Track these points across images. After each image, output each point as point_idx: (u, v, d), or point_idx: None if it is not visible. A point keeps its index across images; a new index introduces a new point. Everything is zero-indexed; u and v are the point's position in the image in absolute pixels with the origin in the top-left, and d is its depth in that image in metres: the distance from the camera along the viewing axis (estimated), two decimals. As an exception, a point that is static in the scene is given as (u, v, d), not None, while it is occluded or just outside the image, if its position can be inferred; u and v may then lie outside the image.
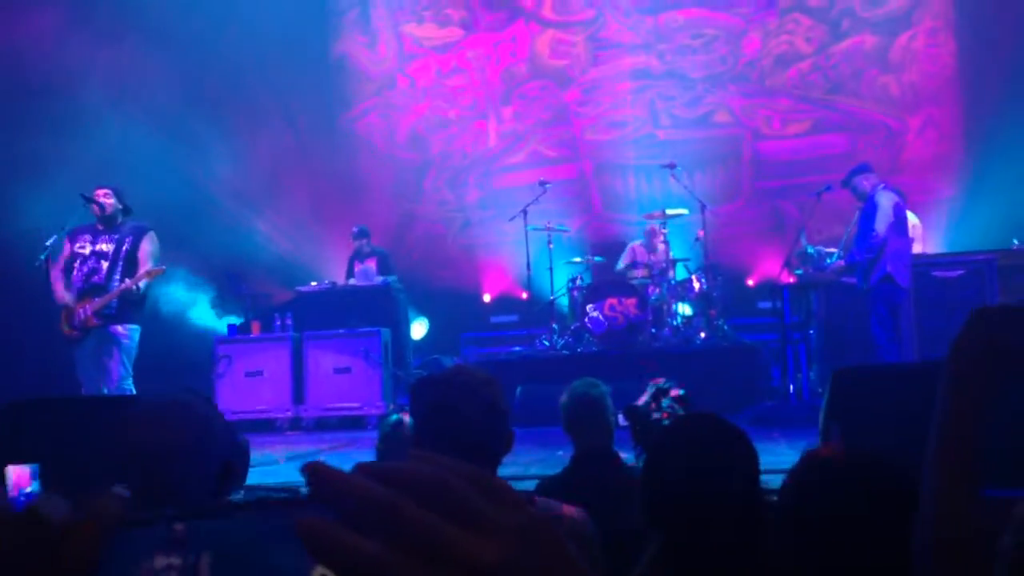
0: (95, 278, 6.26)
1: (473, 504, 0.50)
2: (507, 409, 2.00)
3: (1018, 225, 8.83)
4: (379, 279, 9.28)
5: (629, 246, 9.91)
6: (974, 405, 1.16)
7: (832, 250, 7.57)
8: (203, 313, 10.40)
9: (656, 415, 2.90)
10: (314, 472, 0.48)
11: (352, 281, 9.41)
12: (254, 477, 4.80)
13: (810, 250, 7.66)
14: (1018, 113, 9.68)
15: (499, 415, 1.97)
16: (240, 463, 2.01)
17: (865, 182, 6.96)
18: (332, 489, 0.47)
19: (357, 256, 9.69)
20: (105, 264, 6.28)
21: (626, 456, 3.18)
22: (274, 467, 5.80)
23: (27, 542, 1.08)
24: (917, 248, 7.48)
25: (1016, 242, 8.41)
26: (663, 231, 9.30)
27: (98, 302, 6.20)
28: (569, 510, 1.95)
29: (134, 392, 6.26)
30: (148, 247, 6.35)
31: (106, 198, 6.36)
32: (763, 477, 1.86)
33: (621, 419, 3.06)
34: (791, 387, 7.54)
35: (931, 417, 1.18)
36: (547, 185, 9.76)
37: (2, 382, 6.86)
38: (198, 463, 1.75)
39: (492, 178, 12.17)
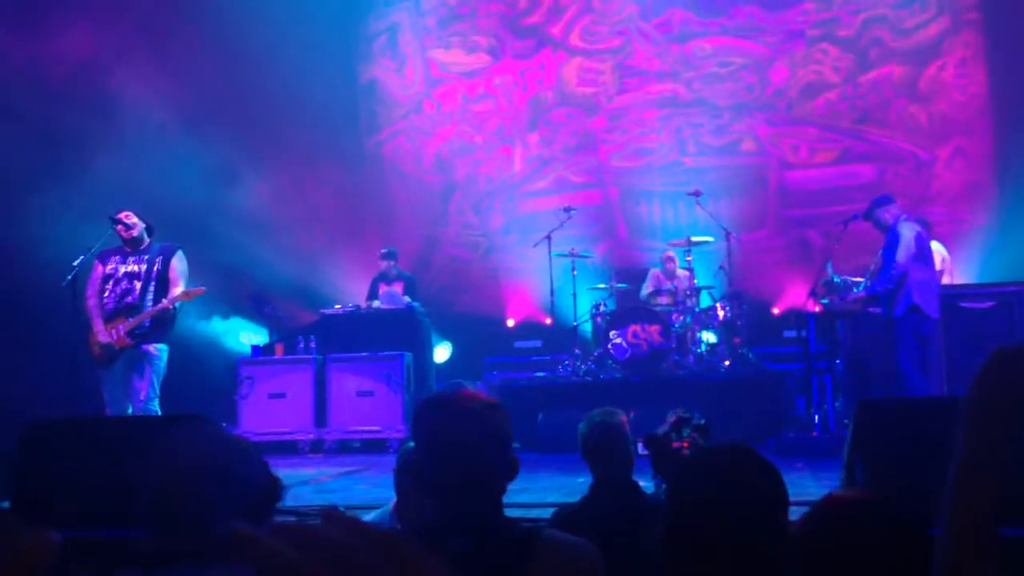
0: (128, 299, 6.33)
1: (376, 570, 0.54)
2: (511, 435, 1.95)
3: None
4: (404, 301, 9.28)
5: (650, 272, 9.89)
6: (993, 447, 1.14)
7: (859, 279, 7.50)
8: (227, 334, 10.47)
9: (676, 444, 2.87)
10: (237, 538, 0.53)
11: (376, 303, 9.39)
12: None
13: (836, 279, 7.60)
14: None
15: (503, 441, 1.91)
16: (275, 489, 2.00)
17: (887, 214, 6.90)
18: (251, 552, 0.53)
19: (383, 278, 9.67)
20: (138, 284, 6.35)
21: (645, 485, 3.16)
22: (297, 489, 5.80)
23: None
24: (946, 280, 7.40)
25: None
26: (677, 259, 9.30)
27: (132, 322, 6.25)
28: (576, 542, 1.91)
29: (159, 413, 6.29)
30: (179, 266, 6.42)
31: (129, 220, 6.44)
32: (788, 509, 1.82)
33: (640, 447, 3.04)
34: (816, 417, 7.46)
35: (951, 456, 1.17)
36: (572, 211, 9.77)
37: (26, 403, 6.91)
38: (229, 490, 1.75)
39: (517, 203, 12.20)
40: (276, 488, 1.92)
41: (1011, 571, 1.18)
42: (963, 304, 7.37)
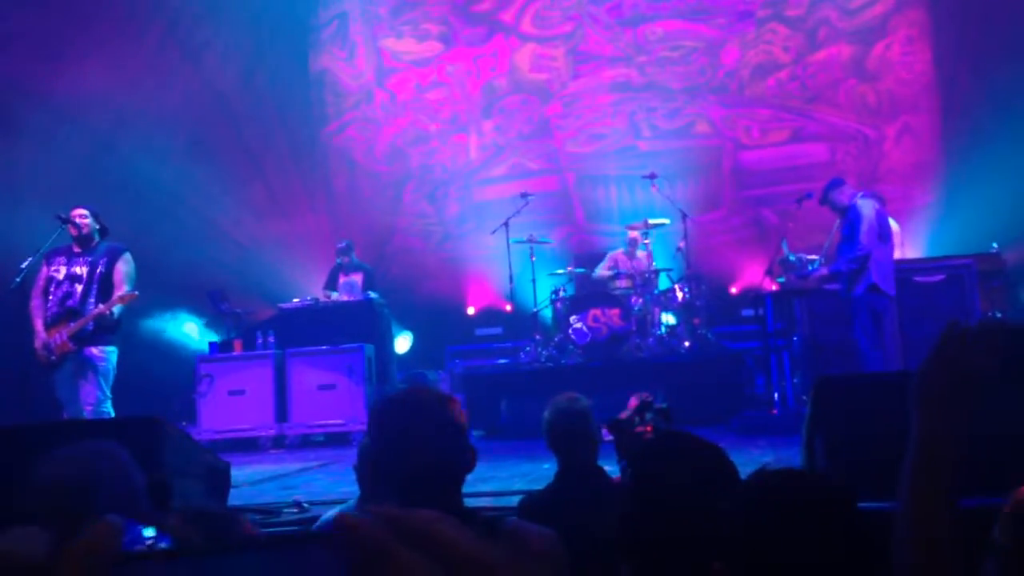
0: (69, 302, 6.19)
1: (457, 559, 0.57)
2: (466, 426, 1.99)
3: (996, 229, 8.89)
4: (363, 294, 9.28)
5: (610, 254, 9.91)
6: (947, 422, 1.16)
7: (813, 257, 7.59)
8: (184, 332, 10.33)
9: (640, 428, 2.88)
10: (341, 524, 0.54)
11: (335, 295, 9.38)
12: (240, 497, 4.76)
13: (792, 258, 7.68)
14: (994, 118, 9.77)
15: (458, 433, 1.94)
16: (219, 484, 2.04)
17: (842, 195, 6.96)
18: (353, 537, 0.54)
19: (341, 269, 9.67)
20: (79, 287, 6.20)
21: (611, 470, 3.16)
22: (259, 486, 5.75)
23: None
24: (897, 253, 7.51)
25: (995, 245, 8.47)
26: (645, 240, 9.33)
27: (72, 326, 6.13)
28: (538, 531, 1.92)
29: (112, 415, 6.19)
30: (123, 268, 6.27)
31: (82, 219, 6.29)
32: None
33: (605, 433, 3.04)
34: (776, 395, 7.55)
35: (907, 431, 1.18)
36: (529, 197, 9.77)
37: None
38: (116, 494, 1.80)
39: (473, 191, 12.17)
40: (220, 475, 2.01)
41: (969, 542, 1.20)
42: (916, 278, 7.50)
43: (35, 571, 0.97)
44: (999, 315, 7.83)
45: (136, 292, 6.27)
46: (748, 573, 1.30)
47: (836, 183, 7.16)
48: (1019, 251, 8.94)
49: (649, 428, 2.86)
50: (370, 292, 9.36)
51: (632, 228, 9.53)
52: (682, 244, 9.38)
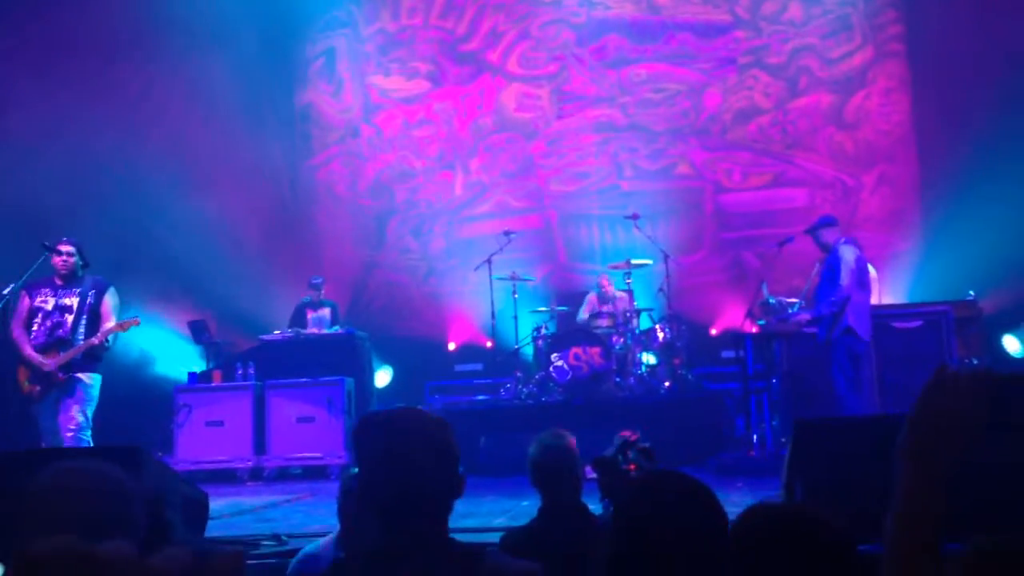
0: (59, 332, 6.21)
1: None
2: (458, 453, 1.90)
3: (973, 277, 9.03)
4: (334, 328, 9.38)
5: (587, 296, 9.99)
6: (932, 479, 1.17)
7: (793, 300, 7.68)
8: (163, 362, 10.26)
9: (624, 467, 2.91)
10: None
11: (305, 330, 9.47)
12: (215, 529, 4.72)
13: (771, 300, 7.77)
14: (970, 168, 9.95)
15: (451, 460, 1.87)
16: (197, 516, 2.01)
17: (829, 235, 7.07)
18: None
19: (309, 305, 9.79)
20: (70, 318, 6.24)
21: (593, 508, 3.18)
22: (236, 518, 5.70)
23: None
24: (874, 299, 7.61)
25: (972, 293, 8.60)
26: (613, 283, 9.44)
27: (63, 356, 6.14)
28: (522, 566, 1.87)
29: (91, 444, 6.15)
30: (111, 301, 6.37)
31: (69, 256, 6.33)
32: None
33: (588, 471, 3.06)
34: (755, 436, 7.59)
35: (890, 474, 1.20)
36: (512, 235, 9.84)
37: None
38: (108, 529, 1.74)
39: (457, 227, 12.22)
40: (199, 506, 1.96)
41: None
42: (894, 324, 7.60)
43: None
44: (975, 361, 7.93)
45: (138, 319, 6.34)
46: None
47: (829, 221, 7.26)
48: (995, 298, 9.08)
49: (632, 467, 2.88)
50: (336, 326, 9.49)
51: (611, 268, 9.61)
52: (663, 286, 9.46)
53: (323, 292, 9.96)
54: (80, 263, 6.41)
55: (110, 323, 6.24)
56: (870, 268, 7.58)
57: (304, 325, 9.61)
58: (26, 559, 1.16)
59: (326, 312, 9.70)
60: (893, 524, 1.18)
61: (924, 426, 1.19)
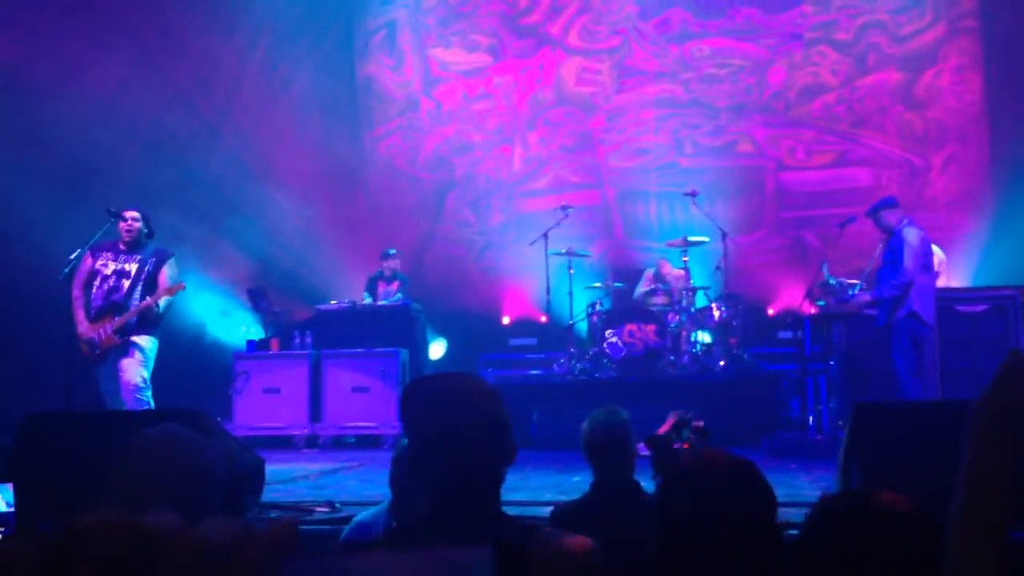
0: (116, 296, 6.37)
1: None
2: (509, 422, 1.86)
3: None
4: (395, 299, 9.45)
5: (645, 273, 9.92)
6: (1005, 453, 1.15)
7: (854, 282, 7.53)
8: (223, 328, 10.47)
9: (677, 445, 2.89)
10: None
11: (375, 300, 9.57)
12: (271, 494, 4.82)
13: (832, 281, 7.62)
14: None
15: (504, 430, 1.84)
16: (254, 481, 2.03)
17: (891, 216, 6.92)
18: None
19: (382, 277, 9.85)
20: (126, 283, 6.40)
21: (646, 485, 3.17)
22: (291, 484, 5.81)
23: (190, 567, 1.10)
24: (941, 281, 7.42)
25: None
26: (670, 264, 9.36)
27: (118, 321, 6.31)
28: (575, 541, 1.81)
29: (152, 404, 6.32)
30: (169, 272, 6.53)
31: (135, 221, 6.49)
32: (780, 510, 1.84)
33: (641, 448, 3.05)
34: (810, 418, 7.48)
35: (955, 462, 1.17)
36: (569, 209, 9.79)
37: (24, 397, 6.92)
38: (193, 493, 1.76)
39: (515, 202, 12.21)
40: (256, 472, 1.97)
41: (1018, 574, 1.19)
42: (958, 307, 7.41)
43: (221, 555, 1.04)
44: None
45: (183, 284, 6.47)
46: None
47: (889, 202, 7.11)
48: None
49: (686, 445, 2.86)
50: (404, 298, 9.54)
51: (669, 245, 9.52)
52: (720, 265, 9.35)
53: (396, 265, 9.99)
54: (145, 231, 6.57)
55: (164, 287, 6.41)
56: (937, 250, 7.41)
57: (376, 297, 9.71)
58: (71, 531, 1.19)
59: (394, 287, 9.77)
60: (959, 509, 1.15)
61: (994, 410, 1.17)
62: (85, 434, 4.13)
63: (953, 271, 9.08)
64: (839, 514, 1.36)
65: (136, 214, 6.53)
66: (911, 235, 6.72)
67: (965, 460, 1.17)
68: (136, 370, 6.33)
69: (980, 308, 7.43)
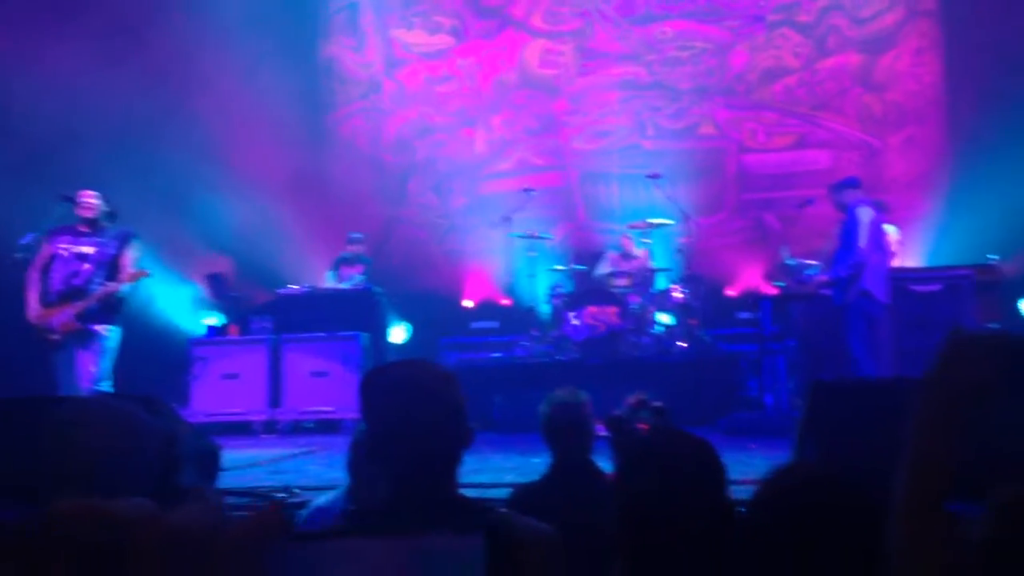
0: (75, 281, 6.21)
1: None
2: (465, 405, 1.89)
3: (996, 241, 8.91)
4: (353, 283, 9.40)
5: (608, 254, 9.93)
6: (947, 430, 1.16)
7: (812, 263, 7.60)
8: (180, 314, 10.33)
9: (636, 426, 2.89)
10: None
11: (338, 284, 9.50)
12: (228, 480, 4.75)
13: (791, 262, 7.69)
14: (998, 132, 9.77)
15: (460, 414, 1.86)
16: (208, 467, 1.99)
17: (847, 197, 6.99)
18: None
19: (346, 261, 9.78)
20: (87, 267, 6.23)
21: (604, 466, 3.17)
22: (249, 470, 5.75)
23: (164, 553, 1.08)
24: (897, 261, 7.52)
25: (993, 257, 8.49)
26: (645, 239, 9.34)
27: (79, 305, 6.15)
28: (536, 527, 1.84)
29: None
30: (132, 254, 6.35)
31: (91, 200, 6.32)
32: (737, 488, 1.86)
33: (600, 428, 3.05)
34: (768, 398, 7.57)
35: (903, 436, 1.18)
36: (532, 192, 9.77)
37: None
38: (123, 464, 1.72)
39: (478, 185, 12.16)
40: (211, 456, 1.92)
41: (957, 544, 1.20)
42: (912, 287, 7.51)
43: (196, 541, 1.01)
44: (995, 326, 7.84)
45: (147, 270, 6.32)
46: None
47: (852, 183, 7.18)
48: (1017, 263, 8.96)
49: (645, 427, 2.86)
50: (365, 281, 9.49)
51: (631, 228, 9.54)
52: (681, 247, 9.39)
53: (361, 248, 9.93)
54: (106, 211, 6.40)
55: (127, 272, 6.26)
56: (891, 229, 7.49)
57: (339, 280, 9.64)
58: (44, 519, 1.16)
59: (358, 271, 9.70)
60: (904, 483, 1.16)
61: (938, 387, 1.17)
62: (37, 421, 4.04)
63: (909, 251, 9.21)
64: (786, 489, 1.37)
65: (92, 193, 6.36)
66: (863, 214, 6.80)
67: (910, 437, 1.18)
68: (95, 361, 6.20)
69: (935, 288, 7.53)
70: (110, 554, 1.12)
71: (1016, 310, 9.36)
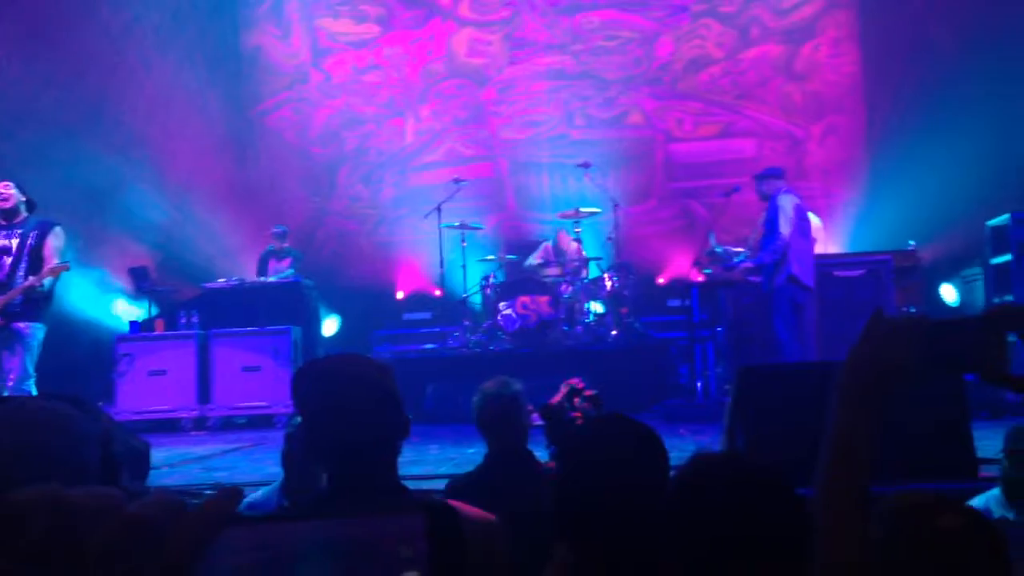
0: None
1: None
2: (400, 395, 1.88)
3: (914, 227, 9.21)
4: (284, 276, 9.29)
5: (543, 244, 9.97)
6: (867, 413, 1.19)
7: (739, 250, 7.76)
8: (104, 310, 10.06)
9: (570, 414, 2.92)
10: None
11: (266, 278, 9.36)
12: (159, 479, 4.67)
13: (718, 250, 7.83)
14: (915, 120, 10.09)
15: (396, 404, 1.86)
16: (138, 466, 1.93)
17: (770, 186, 7.16)
18: None
19: (273, 255, 9.66)
20: (8, 260, 6.02)
21: (539, 454, 3.19)
22: (180, 468, 5.65)
23: (121, 543, 1.04)
24: (819, 248, 7.72)
25: (912, 243, 8.77)
26: (576, 228, 9.41)
27: (1, 300, 5.93)
28: (478, 514, 1.84)
29: (34, 394, 6.00)
30: (54, 243, 6.10)
31: (7, 190, 6.09)
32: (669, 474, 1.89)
33: (535, 418, 3.07)
34: (699, 384, 7.70)
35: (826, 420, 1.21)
36: (462, 183, 9.75)
37: None
38: (60, 467, 1.68)
39: (408, 176, 12.09)
40: (139, 455, 1.86)
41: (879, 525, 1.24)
42: (836, 272, 7.73)
43: (154, 531, 0.99)
44: (913, 310, 8.11)
45: (68, 264, 6.11)
46: (688, 553, 1.33)
47: (776, 172, 7.34)
48: (934, 248, 9.29)
49: (579, 414, 2.89)
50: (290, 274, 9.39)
51: (561, 217, 9.59)
52: (611, 235, 9.49)
53: (287, 242, 9.83)
54: (23, 201, 6.18)
55: (51, 264, 6.05)
56: (814, 217, 7.68)
57: (267, 275, 9.50)
58: (2, 507, 1.12)
59: (285, 265, 9.58)
60: (826, 467, 1.19)
61: (859, 370, 1.20)
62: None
63: (831, 238, 9.46)
64: (706, 473, 1.40)
65: (7, 184, 6.13)
66: (785, 201, 6.98)
67: (830, 419, 1.21)
68: (18, 360, 5.98)
69: (856, 273, 7.76)
70: (64, 545, 1.10)
71: (936, 295, 9.71)
